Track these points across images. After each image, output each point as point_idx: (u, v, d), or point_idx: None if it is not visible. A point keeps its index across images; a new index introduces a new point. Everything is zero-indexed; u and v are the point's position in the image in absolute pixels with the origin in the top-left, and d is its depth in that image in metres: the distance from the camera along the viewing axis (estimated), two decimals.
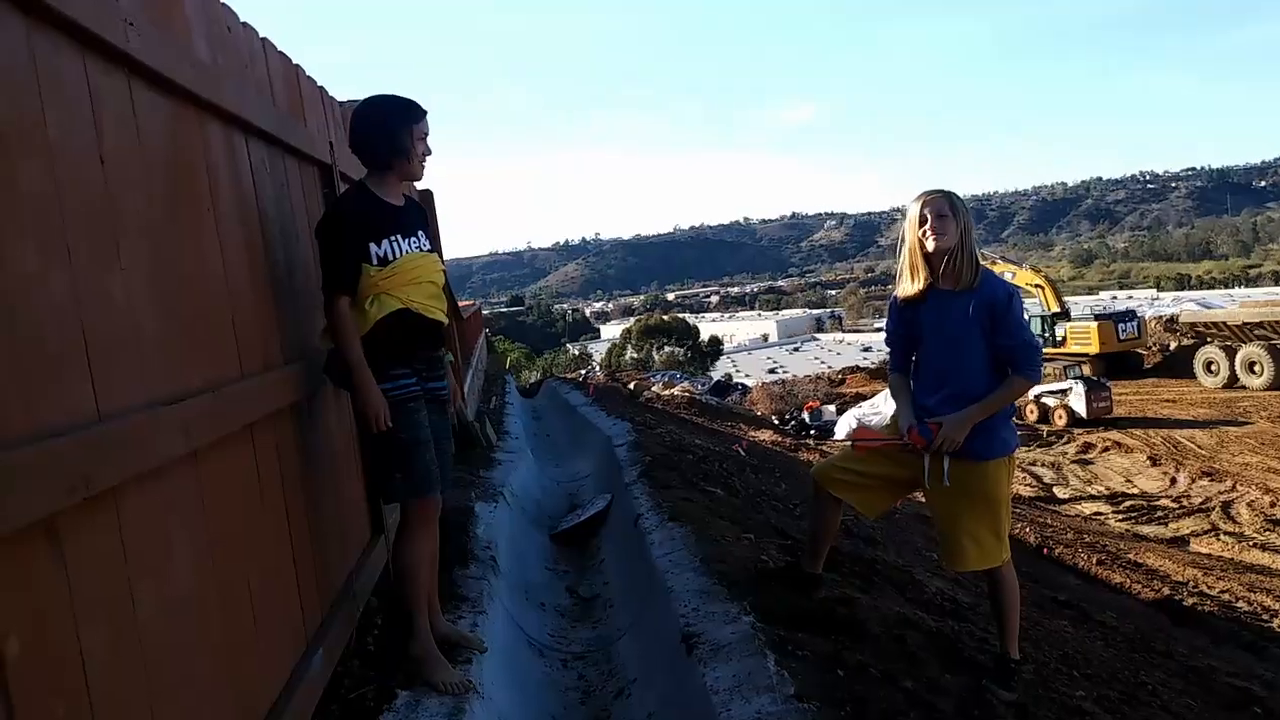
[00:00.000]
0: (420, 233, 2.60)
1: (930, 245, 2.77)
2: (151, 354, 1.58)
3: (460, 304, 12.97)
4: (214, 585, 1.73)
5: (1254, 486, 12.37)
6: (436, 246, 2.77)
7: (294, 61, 2.80)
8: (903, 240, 2.87)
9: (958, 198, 2.83)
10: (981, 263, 2.84)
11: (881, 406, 17.06)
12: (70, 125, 1.40)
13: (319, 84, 3.16)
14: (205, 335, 1.85)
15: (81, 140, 1.43)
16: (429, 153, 2.58)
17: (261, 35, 2.48)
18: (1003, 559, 2.84)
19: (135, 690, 1.40)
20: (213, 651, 1.70)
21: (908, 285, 2.87)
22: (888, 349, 3.14)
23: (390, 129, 2.50)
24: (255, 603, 1.94)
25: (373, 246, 2.43)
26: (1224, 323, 21.33)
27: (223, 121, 2.08)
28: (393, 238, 2.48)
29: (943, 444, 2.75)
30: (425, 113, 2.55)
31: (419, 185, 3.10)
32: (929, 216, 2.77)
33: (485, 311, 27.09)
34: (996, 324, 2.75)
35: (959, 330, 2.79)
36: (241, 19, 2.31)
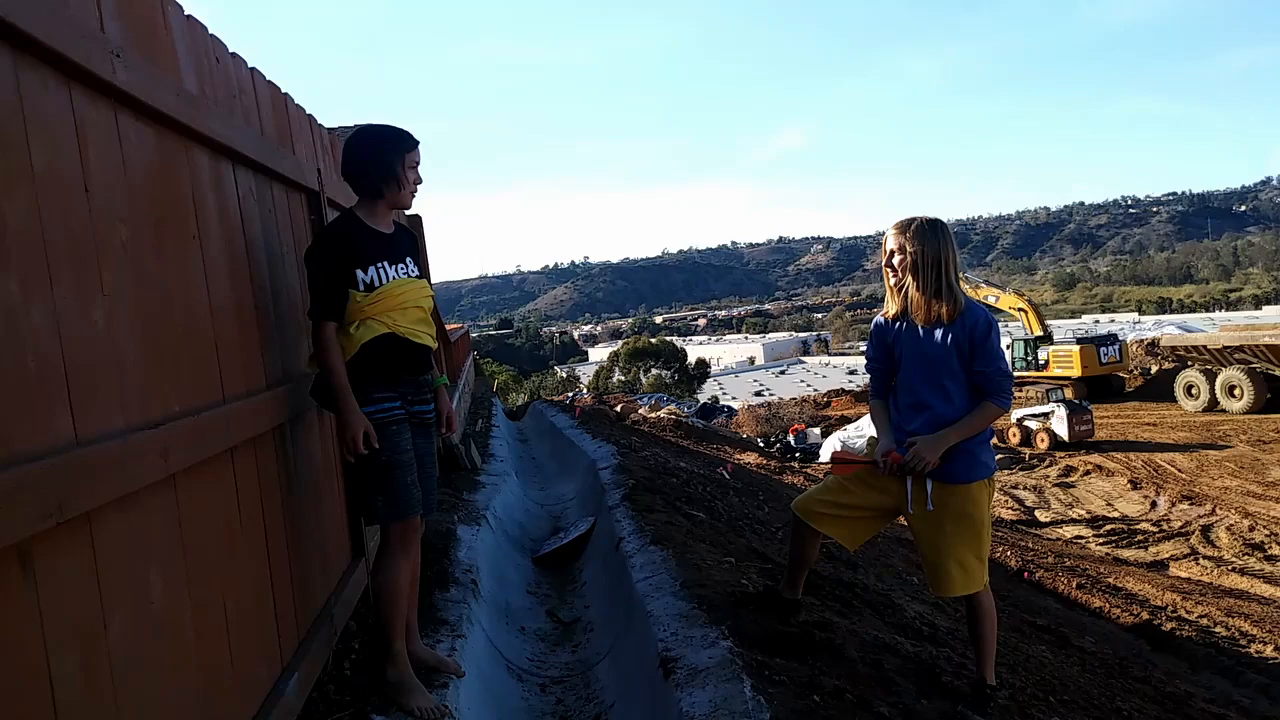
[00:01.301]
0: (409, 259, 2.64)
1: (889, 280, 2.86)
2: (131, 380, 1.59)
3: (449, 327, 12.96)
4: (189, 610, 1.73)
5: (1233, 510, 12.46)
6: (425, 271, 2.81)
7: (282, 90, 2.83)
8: None
9: (922, 229, 2.77)
10: (962, 287, 2.87)
11: (865, 429, 17.11)
12: (55, 155, 1.42)
13: (307, 111, 3.19)
14: (187, 361, 1.86)
15: (66, 170, 1.45)
16: (420, 181, 2.62)
17: (250, 65, 2.52)
18: (984, 583, 2.87)
19: (105, 716, 1.40)
20: (186, 676, 1.70)
21: (888, 306, 2.95)
22: (868, 375, 3.18)
23: (383, 158, 2.54)
24: (231, 627, 1.94)
25: (359, 273, 2.47)
26: (1204, 346, 21.55)
27: (210, 150, 2.11)
28: (380, 264, 2.51)
29: (914, 460, 2.78)
30: (418, 143, 2.60)
31: (408, 211, 3.14)
32: (883, 252, 2.87)
33: (474, 334, 27.09)
34: (975, 351, 2.79)
35: (938, 355, 2.83)
36: (231, 49, 2.35)
